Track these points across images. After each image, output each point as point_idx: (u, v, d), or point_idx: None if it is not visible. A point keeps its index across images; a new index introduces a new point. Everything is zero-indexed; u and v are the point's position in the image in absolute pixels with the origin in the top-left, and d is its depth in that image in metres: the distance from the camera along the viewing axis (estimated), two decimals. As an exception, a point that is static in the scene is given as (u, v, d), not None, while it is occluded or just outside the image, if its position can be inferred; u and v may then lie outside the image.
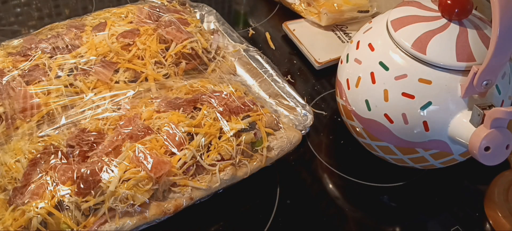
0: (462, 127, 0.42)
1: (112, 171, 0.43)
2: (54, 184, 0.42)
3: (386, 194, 0.53)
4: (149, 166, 0.43)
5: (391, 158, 0.50)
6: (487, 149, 0.39)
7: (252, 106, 0.51)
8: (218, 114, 0.48)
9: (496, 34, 0.38)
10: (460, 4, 0.45)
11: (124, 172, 0.43)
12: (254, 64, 0.62)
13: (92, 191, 0.42)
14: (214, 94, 0.51)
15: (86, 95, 0.51)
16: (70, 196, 0.42)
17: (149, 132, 0.46)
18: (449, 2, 0.45)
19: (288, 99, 0.58)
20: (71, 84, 0.52)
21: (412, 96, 0.44)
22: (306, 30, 0.71)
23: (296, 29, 0.71)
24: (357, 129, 0.51)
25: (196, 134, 0.47)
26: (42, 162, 0.44)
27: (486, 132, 0.39)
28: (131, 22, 0.59)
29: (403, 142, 0.47)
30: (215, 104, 0.50)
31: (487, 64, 0.40)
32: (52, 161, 0.44)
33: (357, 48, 0.50)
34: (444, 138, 0.45)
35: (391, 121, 0.46)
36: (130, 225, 0.43)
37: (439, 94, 0.44)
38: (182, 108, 0.49)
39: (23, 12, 0.72)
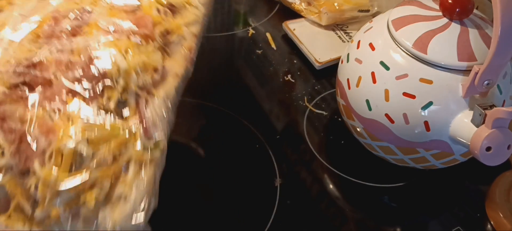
0: (463, 127, 0.42)
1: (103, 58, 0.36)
2: (52, 112, 0.34)
3: (386, 194, 0.53)
4: (133, 27, 0.38)
5: (391, 158, 0.50)
6: (488, 149, 0.39)
7: None
8: None
9: (497, 34, 0.38)
10: (461, 3, 0.45)
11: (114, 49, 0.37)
12: None
13: (102, 84, 0.35)
14: None
15: None
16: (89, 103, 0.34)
17: (85, 14, 0.40)
18: (450, 1, 0.45)
19: None
20: None
21: (413, 96, 0.44)
22: (306, 30, 0.71)
23: (296, 29, 0.71)
24: (358, 129, 0.50)
25: None
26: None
27: (487, 132, 0.38)
28: None
29: (404, 142, 0.46)
30: None
31: (488, 64, 0.40)
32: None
33: (358, 47, 0.50)
34: (445, 138, 0.44)
35: (392, 121, 0.46)
36: (171, 84, 0.37)
37: (440, 94, 0.43)
38: None
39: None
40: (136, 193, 0.33)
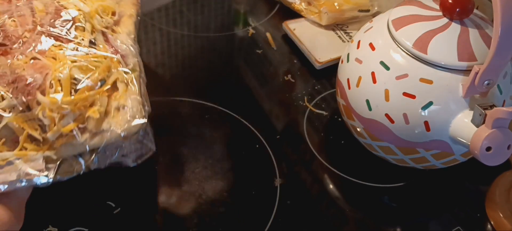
0: (464, 127, 0.42)
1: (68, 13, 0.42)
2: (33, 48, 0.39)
3: (386, 195, 0.53)
4: None
5: (392, 158, 0.50)
6: (488, 149, 0.39)
7: None
8: None
9: (497, 34, 0.38)
10: (461, 3, 0.44)
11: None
12: None
13: (73, 26, 0.40)
14: None
15: None
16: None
17: None
18: (450, 1, 0.45)
19: None
20: None
21: (413, 96, 0.44)
22: (306, 30, 0.71)
23: (297, 29, 0.71)
24: (358, 129, 0.50)
25: None
26: None
27: (487, 132, 0.38)
28: None
29: (404, 142, 0.46)
30: None
31: (489, 64, 0.40)
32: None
33: (358, 47, 0.50)
34: (445, 138, 0.44)
35: (392, 121, 0.46)
36: (129, 23, 0.43)
37: (440, 94, 0.43)
38: None
39: None
40: (131, 102, 0.38)
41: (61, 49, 0.39)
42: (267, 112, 0.61)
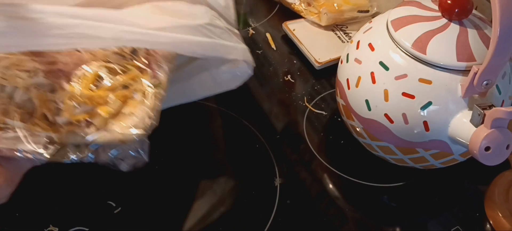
0: (462, 127, 0.42)
1: None
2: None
3: (386, 194, 0.53)
4: None
5: (391, 158, 0.50)
6: (487, 149, 0.39)
7: None
8: None
9: (496, 34, 0.38)
10: (460, 4, 0.45)
11: None
12: None
13: None
14: None
15: None
16: None
17: None
18: (449, 2, 0.45)
19: None
20: None
21: (412, 96, 0.44)
22: (306, 30, 0.71)
23: (296, 29, 0.71)
24: (357, 129, 0.51)
25: None
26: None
27: (486, 132, 0.39)
28: None
29: (403, 142, 0.47)
30: None
31: (487, 64, 0.40)
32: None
33: (357, 48, 0.50)
34: (444, 138, 0.45)
35: (391, 121, 0.46)
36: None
37: (439, 94, 0.44)
38: None
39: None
40: (140, 112, 0.40)
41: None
42: (267, 112, 0.61)
